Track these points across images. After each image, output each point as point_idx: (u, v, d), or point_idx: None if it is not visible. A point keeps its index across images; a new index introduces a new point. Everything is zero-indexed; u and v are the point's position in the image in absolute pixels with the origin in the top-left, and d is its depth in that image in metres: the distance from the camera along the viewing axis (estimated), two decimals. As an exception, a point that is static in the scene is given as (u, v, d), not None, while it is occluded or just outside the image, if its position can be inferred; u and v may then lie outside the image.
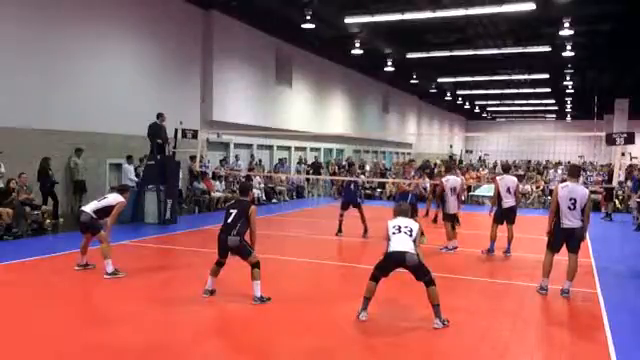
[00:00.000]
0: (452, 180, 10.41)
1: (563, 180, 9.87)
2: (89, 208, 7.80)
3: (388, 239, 5.89)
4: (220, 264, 6.60)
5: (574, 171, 7.59)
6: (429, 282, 5.69)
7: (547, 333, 5.76)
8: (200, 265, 8.66)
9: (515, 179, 10.22)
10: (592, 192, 17.68)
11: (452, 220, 10.40)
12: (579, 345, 5.51)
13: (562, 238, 7.12)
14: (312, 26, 17.62)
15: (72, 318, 5.86)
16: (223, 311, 6.23)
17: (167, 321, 5.84)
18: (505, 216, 9.83)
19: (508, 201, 9.76)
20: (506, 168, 11.12)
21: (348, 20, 18.01)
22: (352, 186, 11.91)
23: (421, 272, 5.73)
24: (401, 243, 5.75)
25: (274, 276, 8.05)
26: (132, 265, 8.55)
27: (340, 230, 11.70)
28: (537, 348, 5.32)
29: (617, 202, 18.62)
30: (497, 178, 10.25)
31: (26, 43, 12.48)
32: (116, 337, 5.23)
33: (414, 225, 5.96)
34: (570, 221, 7.01)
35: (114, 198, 7.98)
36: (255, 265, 6.45)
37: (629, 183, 17.68)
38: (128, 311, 6.08)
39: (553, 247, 7.25)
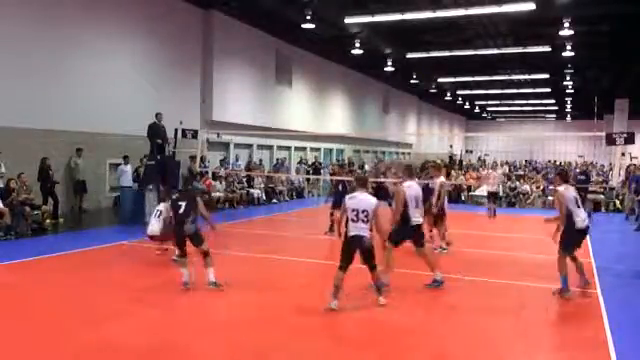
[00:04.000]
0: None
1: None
2: (157, 228, 8.38)
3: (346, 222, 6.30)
4: (184, 255, 7.05)
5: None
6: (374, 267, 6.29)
7: (547, 333, 5.76)
8: (199, 265, 8.67)
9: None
10: (592, 192, 17.80)
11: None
12: (579, 345, 5.51)
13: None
14: (312, 26, 17.62)
15: (72, 318, 5.86)
16: (224, 311, 6.23)
17: (167, 321, 5.84)
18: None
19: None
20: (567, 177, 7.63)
21: (348, 20, 18.01)
22: (340, 187, 11.97)
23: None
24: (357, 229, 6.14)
25: (275, 276, 8.06)
26: (132, 265, 8.56)
27: (331, 229, 11.69)
28: (537, 348, 5.31)
29: (617, 202, 18.64)
30: (559, 189, 7.09)
31: (26, 43, 12.48)
32: (116, 337, 5.23)
33: (370, 206, 6.15)
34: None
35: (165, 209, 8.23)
36: (206, 254, 6.97)
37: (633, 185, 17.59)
38: (128, 311, 6.08)
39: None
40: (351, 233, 6.15)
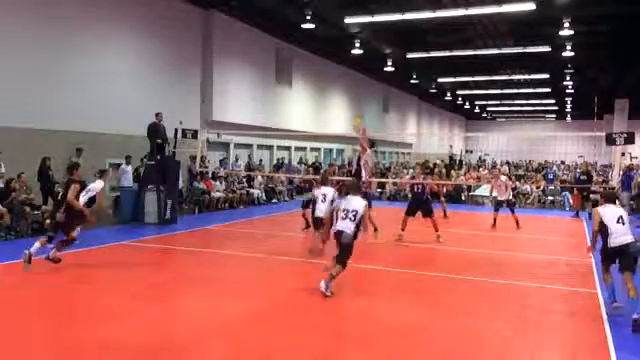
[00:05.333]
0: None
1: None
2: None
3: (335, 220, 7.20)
4: (51, 239, 7.78)
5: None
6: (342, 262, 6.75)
7: (547, 333, 5.76)
8: (200, 265, 8.68)
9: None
10: (592, 192, 17.82)
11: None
12: (579, 345, 5.51)
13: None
14: (312, 26, 17.62)
15: (71, 318, 5.86)
16: (224, 311, 6.22)
17: (167, 321, 5.85)
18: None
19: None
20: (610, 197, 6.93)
21: (348, 20, 18.01)
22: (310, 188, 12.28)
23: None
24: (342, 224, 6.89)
25: (275, 276, 8.06)
26: (132, 265, 8.57)
27: (308, 227, 11.77)
28: (537, 348, 5.31)
29: (617, 202, 18.64)
30: (597, 208, 6.80)
31: (26, 43, 12.48)
32: (116, 337, 5.23)
33: (359, 207, 6.90)
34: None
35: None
36: (69, 239, 7.77)
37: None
38: (128, 311, 6.08)
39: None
40: (337, 228, 6.94)
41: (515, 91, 35.42)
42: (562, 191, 19.67)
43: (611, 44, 21.04)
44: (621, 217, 6.38)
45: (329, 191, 9.45)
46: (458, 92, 38.01)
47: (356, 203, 6.94)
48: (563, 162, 39.03)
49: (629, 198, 16.41)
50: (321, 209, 9.07)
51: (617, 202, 6.95)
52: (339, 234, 6.81)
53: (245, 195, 17.99)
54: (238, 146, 21.02)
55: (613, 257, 6.40)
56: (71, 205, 7.60)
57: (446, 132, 51.13)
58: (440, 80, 32.20)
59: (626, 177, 16.64)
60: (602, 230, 6.38)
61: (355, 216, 6.79)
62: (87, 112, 13.92)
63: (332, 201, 8.94)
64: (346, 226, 6.78)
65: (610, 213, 6.45)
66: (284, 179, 20.77)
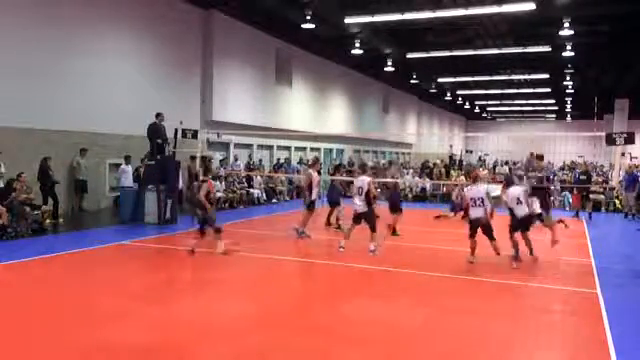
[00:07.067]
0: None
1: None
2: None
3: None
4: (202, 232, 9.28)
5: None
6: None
7: (547, 333, 5.76)
8: (200, 265, 8.68)
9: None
10: (592, 192, 17.81)
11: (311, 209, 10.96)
12: (579, 345, 5.51)
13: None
14: (312, 26, 17.63)
15: (72, 318, 5.86)
16: (224, 311, 6.23)
17: (167, 321, 5.84)
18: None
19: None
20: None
21: (348, 20, 18.01)
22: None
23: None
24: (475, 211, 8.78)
25: (275, 276, 8.05)
26: (132, 265, 8.57)
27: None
28: (537, 348, 5.31)
29: (617, 202, 18.66)
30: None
31: (26, 43, 12.48)
32: (116, 337, 5.23)
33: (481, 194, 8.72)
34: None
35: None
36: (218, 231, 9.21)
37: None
38: (128, 311, 6.08)
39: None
40: (473, 216, 8.67)
41: (515, 91, 35.42)
42: (562, 191, 19.67)
43: (611, 44, 21.03)
44: (481, 198, 8.66)
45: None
46: (458, 92, 38.01)
47: (478, 191, 8.64)
48: (571, 163, 38.54)
49: (635, 198, 16.40)
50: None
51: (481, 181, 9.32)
52: (477, 220, 8.54)
53: (245, 195, 17.99)
54: (238, 146, 21.01)
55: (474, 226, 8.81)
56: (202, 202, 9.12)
57: (446, 132, 51.13)
58: (440, 80, 32.19)
59: (630, 177, 16.62)
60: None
61: (482, 202, 8.50)
62: (87, 112, 13.93)
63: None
64: (479, 213, 8.53)
65: (470, 193, 8.81)
66: (284, 179, 20.77)
